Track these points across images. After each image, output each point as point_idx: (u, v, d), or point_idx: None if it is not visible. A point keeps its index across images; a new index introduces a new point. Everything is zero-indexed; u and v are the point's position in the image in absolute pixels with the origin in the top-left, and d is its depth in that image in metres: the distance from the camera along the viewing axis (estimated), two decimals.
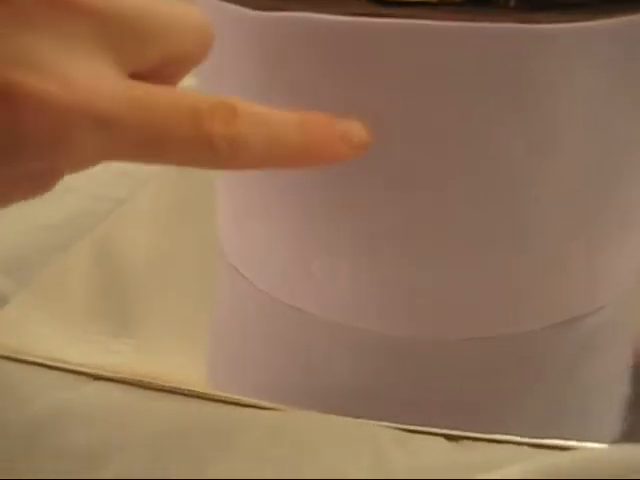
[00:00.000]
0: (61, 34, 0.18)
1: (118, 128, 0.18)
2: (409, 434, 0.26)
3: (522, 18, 0.25)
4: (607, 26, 0.25)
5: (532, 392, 0.29)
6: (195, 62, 0.21)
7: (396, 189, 0.28)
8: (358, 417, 0.26)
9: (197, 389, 0.28)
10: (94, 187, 0.40)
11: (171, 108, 0.19)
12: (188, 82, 0.23)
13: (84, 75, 0.18)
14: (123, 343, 0.31)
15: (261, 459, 0.25)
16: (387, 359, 0.30)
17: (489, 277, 0.30)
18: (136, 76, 0.19)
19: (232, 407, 0.27)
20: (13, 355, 0.30)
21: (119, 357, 0.30)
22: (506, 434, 0.26)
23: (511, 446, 0.25)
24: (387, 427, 0.26)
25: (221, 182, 0.35)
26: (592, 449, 0.25)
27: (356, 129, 0.22)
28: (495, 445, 0.25)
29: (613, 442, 0.26)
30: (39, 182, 0.19)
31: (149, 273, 0.35)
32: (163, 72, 0.20)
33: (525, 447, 0.25)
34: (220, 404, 0.28)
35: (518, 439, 0.25)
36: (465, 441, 0.26)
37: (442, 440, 0.26)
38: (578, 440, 0.25)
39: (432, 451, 0.25)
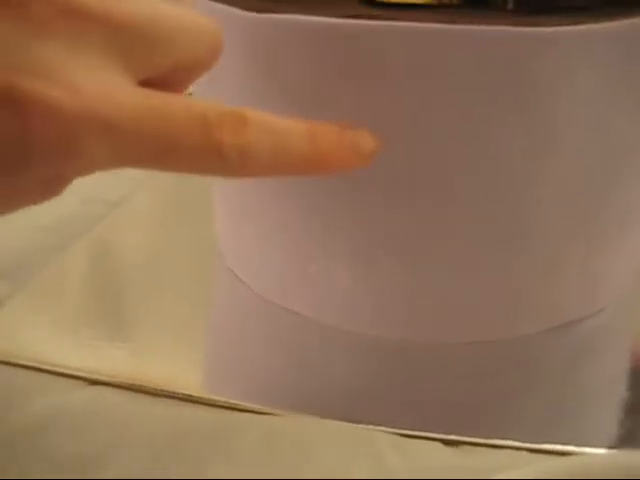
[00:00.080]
0: (71, 41, 0.18)
1: (126, 135, 0.18)
2: (407, 439, 0.26)
3: (519, 21, 0.25)
4: (607, 29, 0.25)
5: (530, 395, 0.28)
6: (206, 68, 0.21)
7: (394, 191, 0.28)
8: (355, 420, 0.26)
9: (193, 393, 0.28)
10: (89, 189, 0.40)
11: (181, 116, 0.19)
12: None
13: (93, 82, 0.17)
14: (118, 347, 0.31)
15: (259, 463, 0.25)
16: (383, 362, 0.30)
17: (487, 280, 0.29)
18: (146, 82, 0.19)
19: (228, 411, 0.27)
20: (7, 359, 0.30)
21: (115, 361, 0.30)
22: (504, 438, 0.26)
23: (509, 451, 0.25)
24: (385, 432, 0.26)
25: (218, 185, 0.35)
26: (590, 454, 0.25)
27: (364, 138, 0.22)
28: (493, 450, 0.25)
29: (611, 446, 0.26)
30: (47, 188, 0.19)
31: (145, 276, 0.35)
32: (174, 78, 0.20)
33: (523, 452, 0.25)
34: (216, 408, 0.27)
35: (516, 444, 0.25)
36: (463, 446, 0.26)
37: (440, 445, 0.26)
38: (576, 444, 0.25)
39: (430, 456, 0.25)
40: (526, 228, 0.29)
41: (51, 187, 0.19)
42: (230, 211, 0.35)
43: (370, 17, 0.25)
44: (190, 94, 0.24)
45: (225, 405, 0.27)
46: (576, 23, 0.25)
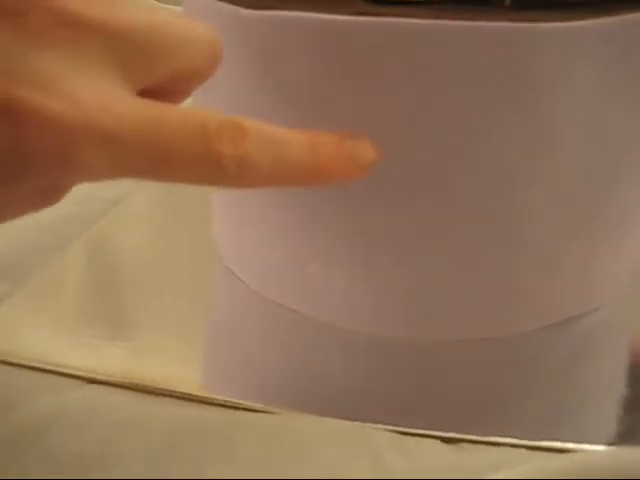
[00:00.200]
0: (70, 51, 0.17)
1: (125, 147, 0.18)
2: (406, 437, 0.26)
3: (517, 17, 0.24)
4: (605, 25, 0.25)
5: (529, 393, 0.28)
6: (205, 77, 0.21)
7: (392, 190, 0.28)
8: (354, 419, 0.26)
9: (192, 392, 0.28)
10: (87, 187, 0.40)
11: (180, 127, 0.19)
12: None
13: (91, 92, 0.17)
14: (118, 346, 0.31)
15: (259, 462, 0.25)
16: (382, 360, 0.30)
17: (486, 278, 0.29)
18: (145, 92, 0.19)
19: (228, 410, 0.27)
20: (6, 358, 0.30)
21: (114, 360, 0.30)
22: (503, 436, 0.26)
23: (508, 448, 0.25)
24: (384, 430, 0.26)
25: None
26: (589, 451, 0.25)
27: (364, 148, 0.22)
28: (492, 447, 0.25)
29: (610, 443, 0.26)
30: (44, 197, 0.19)
31: (144, 275, 0.35)
32: (172, 87, 0.20)
33: (522, 449, 0.25)
34: (216, 407, 0.27)
35: (515, 441, 0.25)
36: (462, 444, 0.26)
37: (439, 443, 0.26)
38: (576, 441, 0.25)
39: (429, 454, 0.25)
40: (525, 227, 0.28)
41: (48, 196, 0.19)
42: (229, 211, 0.35)
43: (372, 14, 0.25)
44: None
45: (224, 404, 0.27)
46: (574, 19, 0.24)
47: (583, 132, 0.27)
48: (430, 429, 0.26)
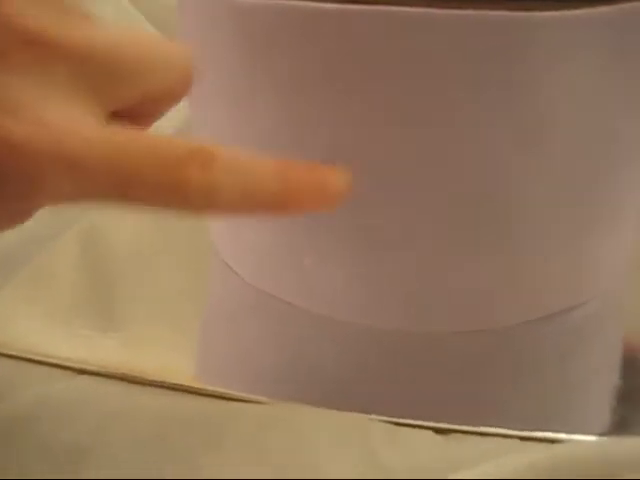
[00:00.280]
0: (38, 74, 0.17)
1: (90, 173, 0.17)
2: (398, 427, 0.26)
3: (512, 5, 0.24)
4: (602, 14, 0.25)
5: (521, 384, 0.28)
6: (176, 99, 0.21)
7: (386, 182, 0.28)
8: (347, 410, 0.26)
9: (185, 383, 0.28)
10: None
11: (147, 154, 0.18)
12: None
13: (59, 117, 0.17)
14: (110, 337, 0.30)
15: (251, 451, 0.25)
16: (376, 352, 0.30)
17: (477, 270, 0.29)
18: (115, 114, 0.19)
19: (219, 400, 0.27)
20: None
21: (107, 351, 0.30)
22: (495, 427, 0.26)
23: (500, 439, 0.25)
24: (377, 420, 0.26)
25: None
26: (581, 442, 0.25)
27: (334, 178, 0.21)
28: (484, 438, 0.25)
29: (604, 433, 0.26)
30: (11, 219, 0.19)
31: (137, 265, 0.35)
32: (142, 110, 0.20)
33: (514, 440, 0.25)
34: (208, 398, 0.27)
35: (507, 432, 0.25)
36: (454, 434, 0.26)
37: (431, 433, 0.26)
38: (567, 432, 0.25)
39: (421, 444, 0.25)
40: (515, 219, 0.28)
41: (14, 219, 0.19)
42: None
43: (361, 2, 0.25)
44: None
45: (215, 394, 0.27)
46: (570, 8, 0.24)
47: (575, 120, 0.27)
48: (422, 419, 0.26)
